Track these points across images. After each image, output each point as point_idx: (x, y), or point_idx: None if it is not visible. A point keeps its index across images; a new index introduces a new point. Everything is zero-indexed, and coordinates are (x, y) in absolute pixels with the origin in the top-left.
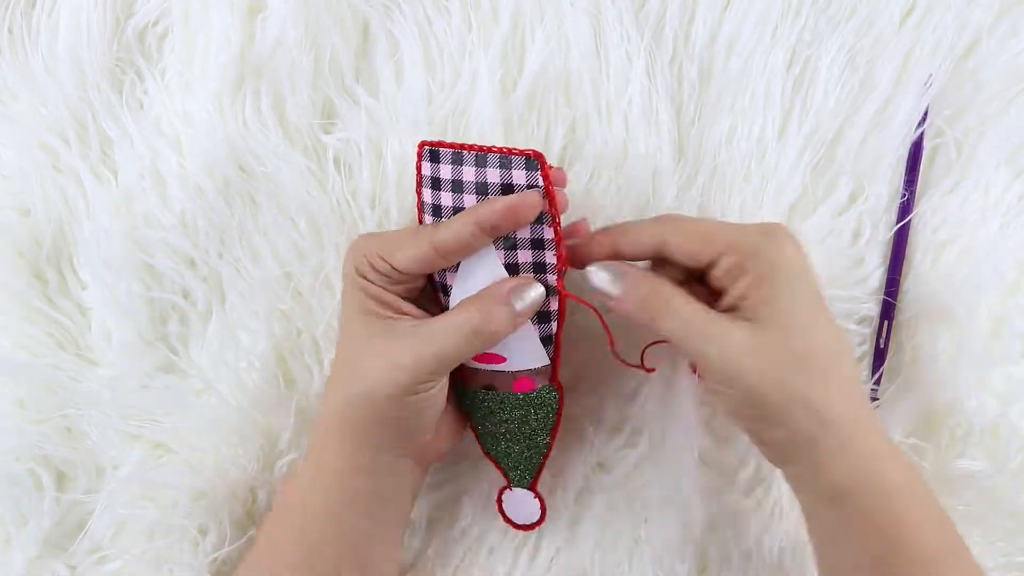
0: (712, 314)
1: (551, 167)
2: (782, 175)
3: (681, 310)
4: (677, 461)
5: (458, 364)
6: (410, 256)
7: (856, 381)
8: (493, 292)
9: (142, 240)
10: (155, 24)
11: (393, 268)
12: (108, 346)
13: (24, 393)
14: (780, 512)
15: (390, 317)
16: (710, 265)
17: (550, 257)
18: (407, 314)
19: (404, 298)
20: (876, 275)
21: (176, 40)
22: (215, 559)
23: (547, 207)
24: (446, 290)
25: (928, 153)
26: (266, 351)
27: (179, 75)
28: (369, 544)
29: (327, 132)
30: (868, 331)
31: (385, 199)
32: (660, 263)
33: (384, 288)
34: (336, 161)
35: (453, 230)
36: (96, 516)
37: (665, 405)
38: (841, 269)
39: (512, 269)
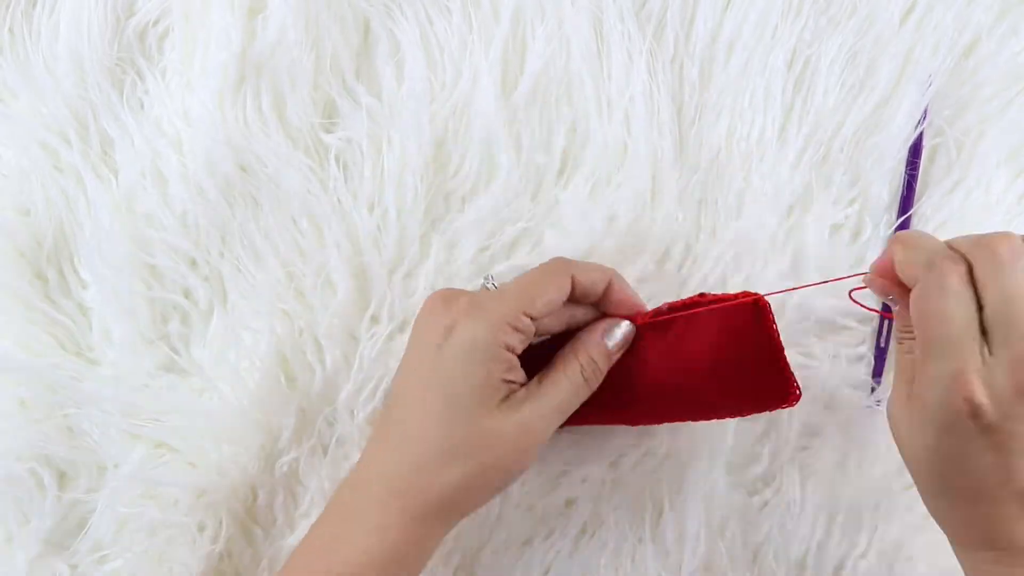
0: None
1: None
2: (783, 174)
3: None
4: (689, 459)
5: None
6: (551, 299)
7: None
8: (589, 339)
9: (143, 239)
10: (155, 23)
11: (533, 320)
12: (109, 345)
13: (25, 392)
14: (788, 511)
15: (512, 390)
16: None
17: None
18: (520, 383)
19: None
20: None
21: (177, 39)
22: (215, 555)
23: None
24: None
25: (928, 152)
26: (267, 350)
27: (180, 74)
28: None
29: (328, 131)
30: (868, 330)
31: (385, 199)
32: None
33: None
34: (337, 160)
35: (592, 274)
36: (97, 515)
37: None
38: (842, 268)
39: None
